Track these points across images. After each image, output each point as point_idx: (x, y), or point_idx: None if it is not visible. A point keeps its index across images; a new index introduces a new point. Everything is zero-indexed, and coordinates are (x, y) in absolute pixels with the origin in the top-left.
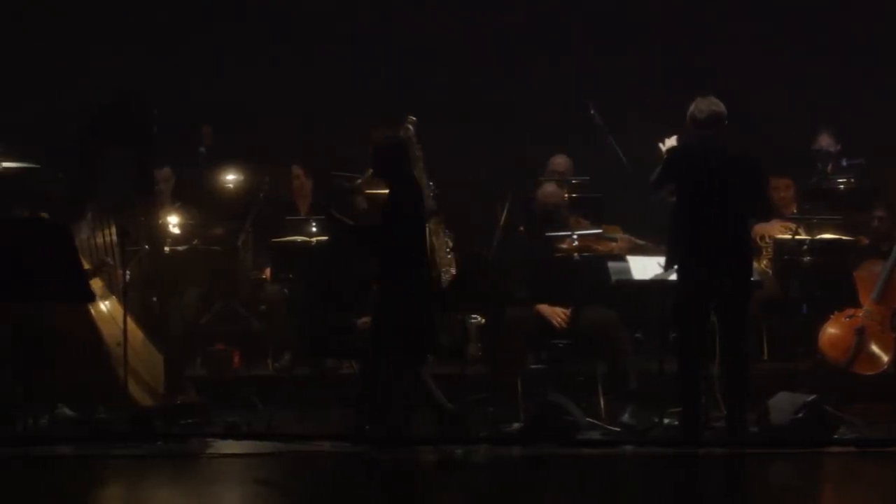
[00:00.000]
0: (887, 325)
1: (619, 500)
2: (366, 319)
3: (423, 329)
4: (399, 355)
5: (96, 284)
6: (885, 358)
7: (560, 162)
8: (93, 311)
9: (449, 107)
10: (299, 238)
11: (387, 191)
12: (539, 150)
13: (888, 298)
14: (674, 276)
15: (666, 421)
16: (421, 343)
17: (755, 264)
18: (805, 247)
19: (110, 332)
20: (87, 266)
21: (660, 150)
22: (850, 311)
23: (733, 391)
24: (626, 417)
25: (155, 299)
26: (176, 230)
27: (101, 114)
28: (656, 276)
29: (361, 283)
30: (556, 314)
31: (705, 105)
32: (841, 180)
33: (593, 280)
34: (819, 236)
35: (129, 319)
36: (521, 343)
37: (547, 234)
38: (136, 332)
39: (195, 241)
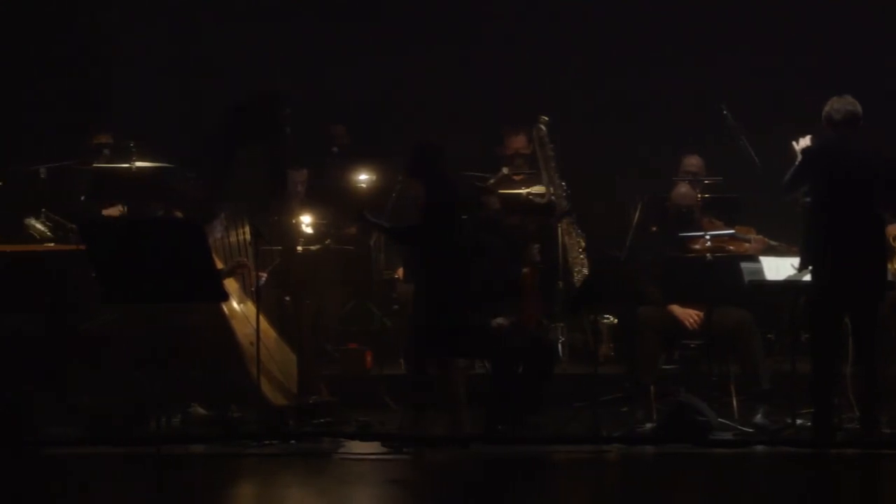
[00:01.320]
0: None
1: (752, 501)
2: (500, 320)
3: (457, 330)
4: (431, 355)
5: (231, 285)
6: None
7: (693, 162)
8: (226, 310)
9: (582, 106)
10: None
11: (521, 190)
12: (672, 150)
13: None
14: (807, 277)
15: (798, 422)
16: (454, 343)
17: (889, 265)
18: None
19: (244, 332)
20: (220, 266)
21: (794, 150)
22: None
23: (866, 392)
24: (758, 418)
25: (288, 299)
26: (309, 230)
27: (236, 113)
28: (789, 276)
29: (498, 284)
30: (689, 315)
31: (841, 105)
32: None
33: (726, 281)
34: None
35: (262, 319)
36: (654, 343)
37: (680, 234)
38: (269, 332)
39: (328, 241)
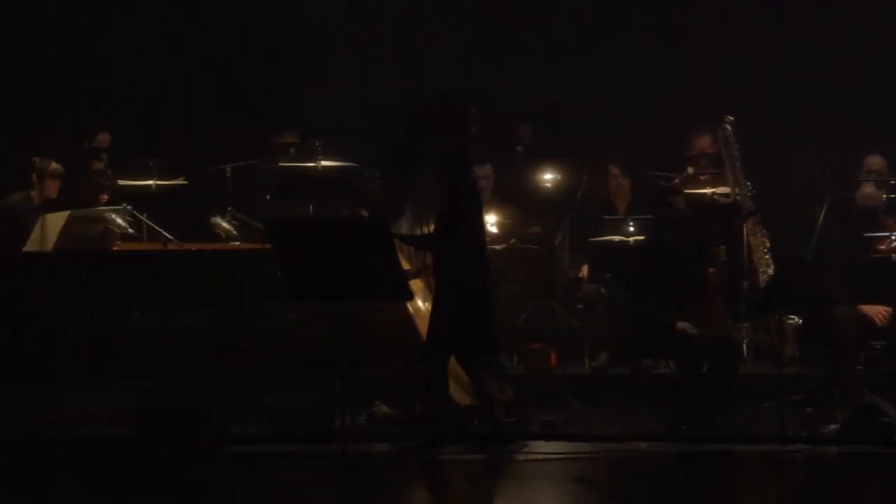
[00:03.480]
0: None
1: None
2: (684, 325)
3: (479, 330)
4: (453, 353)
5: (416, 284)
6: None
7: (875, 161)
8: (411, 309)
9: (765, 106)
10: (616, 237)
11: (706, 190)
12: (856, 150)
13: None
14: None
15: None
16: (475, 344)
17: None
18: None
19: None
20: (406, 266)
21: None
22: None
23: None
24: None
25: None
26: (494, 229)
27: (420, 112)
28: None
29: (684, 284)
30: (879, 311)
31: None
32: None
33: None
34: None
35: None
36: (853, 341)
37: (865, 235)
38: None
39: (513, 240)
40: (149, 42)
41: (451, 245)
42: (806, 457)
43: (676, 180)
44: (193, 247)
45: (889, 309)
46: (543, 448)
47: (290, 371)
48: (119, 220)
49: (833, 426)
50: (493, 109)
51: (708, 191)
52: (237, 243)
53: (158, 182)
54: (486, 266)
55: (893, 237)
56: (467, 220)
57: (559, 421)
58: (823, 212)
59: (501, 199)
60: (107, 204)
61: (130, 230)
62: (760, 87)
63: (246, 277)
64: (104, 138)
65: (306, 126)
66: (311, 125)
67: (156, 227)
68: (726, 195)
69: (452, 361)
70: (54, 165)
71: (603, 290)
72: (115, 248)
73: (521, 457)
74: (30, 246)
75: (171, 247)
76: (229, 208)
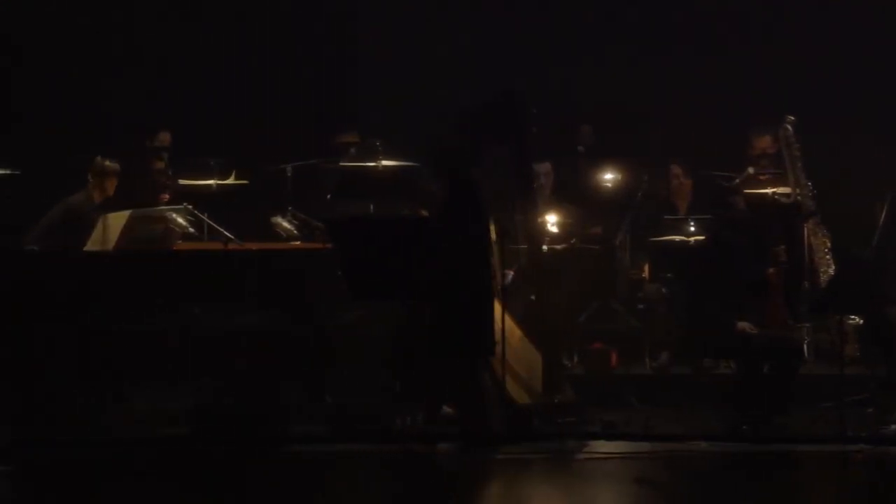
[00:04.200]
0: None
1: None
2: (745, 325)
3: (478, 330)
4: (454, 355)
5: None
6: None
7: None
8: None
9: (827, 106)
10: (677, 237)
11: (767, 190)
12: None
13: None
14: None
15: None
16: (474, 344)
17: None
18: None
19: None
20: None
21: None
22: None
23: None
24: None
25: (533, 297)
26: (554, 228)
27: (480, 112)
28: None
29: (745, 284)
30: None
31: None
32: None
33: None
34: None
35: (508, 318)
36: None
37: None
38: (514, 331)
39: (573, 240)
40: (210, 41)
41: (451, 245)
42: (866, 457)
43: (737, 180)
44: (254, 246)
45: None
46: (604, 447)
47: (351, 371)
48: (180, 220)
49: (894, 426)
50: (554, 109)
51: (769, 191)
52: (298, 243)
53: (219, 182)
54: (489, 266)
55: None
56: (467, 220)
57: (619, 421)
58: (884, 211)
59: (562, 199)
60: (168, 203)
61: (191, 230)
62: (822, 86)
63: (306, 277)
64: (165, 137)
65: (367, 126)
66: (372, 125)
67: (216, 226)
68: (787, 195)
69: (513, 359)
70: (112, 164)
71: (664, 290)
72: (175, 248)
73: (582, 456)
74: (91, 245)
75: (231, 246)
76: (290, 208)
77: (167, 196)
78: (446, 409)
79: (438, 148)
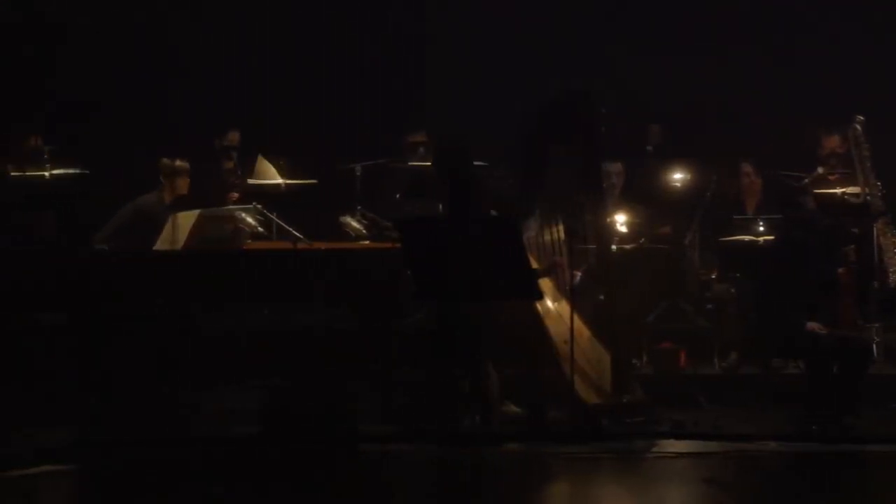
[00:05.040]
0: None
1: None
2: (814, 325)
3: (481, 330)
4: (458, 355)
5: (545, 284)
6: None
7: None
8: (540, 309)
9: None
10: (747, 237)
11: (836, 190)
12: None
13: None
14: None
15: None
16: (477, 345)
17: None
18: None
19: (558, 331)
20: (535, 265)
21: None
22: None
23: None
24: None
25: (602, 297)
26: (623, 228)
27: (550, 112)
28: None
29: (815, 284)
30: None
31: None
32: None
33: None
34: None
35: (576, 318)
36: None
37: None
38: (583, 331)
39: (642, 240)
40: (281, 41)
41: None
42: None
43: (806, 180)
44: (323, 246)
45: None
46: (672, 447)
47: (419, 370)
48: (249, 219)
49: None
50: (623, 109)
51: (838, 191)
52: (367, 242)
53: (288, 181)
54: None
55: None
56: (467, 221)
57: (688, 420)
58: None
59: (631, 199)
60: (237, 203)
61: (260, 229)
62: (891, 86)
63: (375, 277)
64: (234, 137)
65: (436, 125)
66: (441, 124)
67: (286, 226)
68: (856, 195)
69: (581, 359)
70: (182, 164)
71: (732, 289)
72: (245, 248)
73: (650, 456)
74: (160, 245)
75: (300, 246)
76: (359, 207)
77: (236, 195)
78: (513, 409)
79: (439, 148)
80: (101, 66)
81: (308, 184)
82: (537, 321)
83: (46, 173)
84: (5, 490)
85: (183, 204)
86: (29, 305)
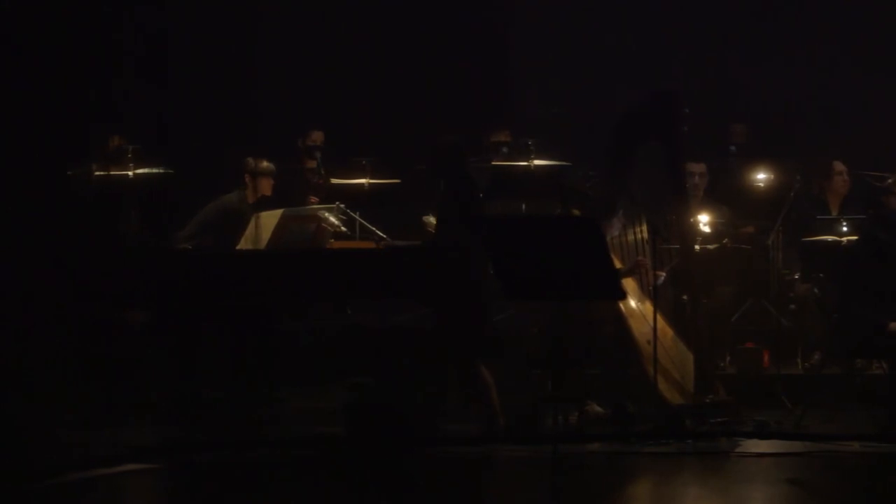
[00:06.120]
0: None
1: None
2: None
3: (479, 328)
4: (455, 352)
5: (629, 284)
6: None
7: None
8: (623, 308)
9: None
10: (830, 237)
11: None
12: None
13: None
14: None
15: None
16: (476, 341)
17: None
18: None
19: (641, 331)
20: (618, 264)
21: None
22: None
23: None
24: None
25: (685, 298)
26: (706, 229)
27: (635, 112)
28: None
29: None
30: None
31: None
32: None
33: None
34: None
35: (660, 318)
36: None
37: None
38: (666, 331)
39: (725, 240)
40: (362, 40)
41: (447, 241)
42: None
43: (890, 180)
44: (406, 244)
45: None
46: (756, 447)
47: (503, 370)
48: (332, 219)
49: None
50: (708, 108)
51: None
52: None
53: (371, 181)
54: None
55: None
56: (461, 219)
57: (772, 420)
58: None
59: (714, 199)
60: (320, 202)
61: (343, 228)
62: None
63: (458, 276)
64: (318, 137)
65: (519, 125)
66: (524, 124)
67: (368, 225)
68: None
69: (665, 359)
70: (266, 164)
71: (816, 289)
72: (328, 247)
73: (734, 455)
74: (243, 244)
75: (383, 245)
76: None
77: (319, 195)
78: (596, 409)
79: (435, 146)
80: (188, 67)
81: (391, 183)
82: (621, 321)
83: (130, 172)
84: (93, 488)
85: (266, 203)
86: (117, 304)
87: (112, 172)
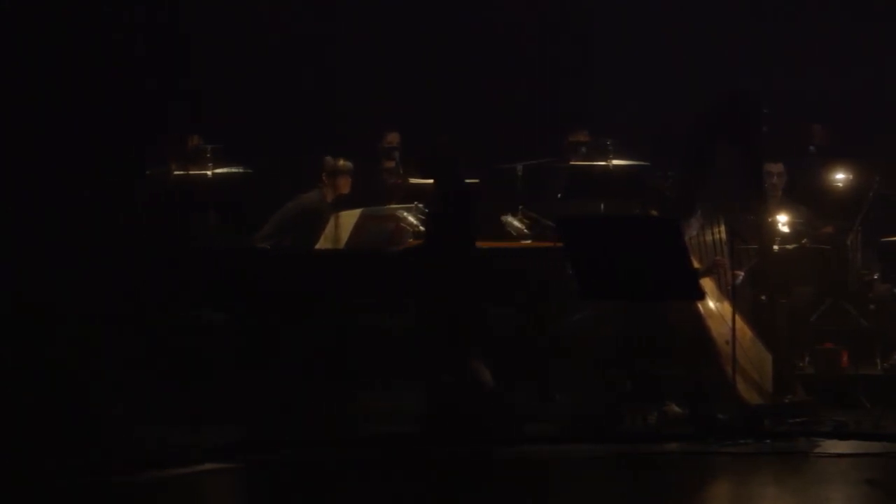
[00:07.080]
0: None
1: None
2: None
3: (467, 326)
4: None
5: (707, 284)
6: None
7: None
8: (702, 309)
9: None
10: None
11: None
12: None
13: None
14: None
15: None
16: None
17: None
18: None
19: (719, 331)
20: (696, 264)
21: None
22: None
23: None
24: None
25: (764, 298)
26: (785, 229)
27: (712, 112)
28: None
29: None
30: None
31: None
32: None
33: None
34: None
35: (738, 318)
36: None
37: None
38: (745, 331)
39: (804, 240)
40: (440, 41)
41: (437, 242)
42: None
43: None
44: (485, 245)
45: None
46: (835, 447)
47: (581, 370)
48: (410, 219)
49: None
50: (787, 109)
51: None
52: (528, 241)
53: None
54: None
55: None
56: (455, 222)
57: (850, 421)
58: None
59: (793, 199)
60: (398, 202)
61: (422, 228)
62: None
63: (537, 276)
64: (394, 138)
65: (598, 125)
66: (603, 124)
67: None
68: None
69: (743, 360)
70: (344, 162)
71: (894, 290)
72: (406, 246)
73: (813, 456)
74: (322, 243)
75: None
76: (521, 206)
77: (398, 195)
78: (675, 409)
79: (431, 152)
80: (267, 67)
81: (470, 183)
82: (699, 321)
83: (209, 172)
84: (172, 487)
85: (344, 203)
86: (196, 304)
87: (191, 172)
